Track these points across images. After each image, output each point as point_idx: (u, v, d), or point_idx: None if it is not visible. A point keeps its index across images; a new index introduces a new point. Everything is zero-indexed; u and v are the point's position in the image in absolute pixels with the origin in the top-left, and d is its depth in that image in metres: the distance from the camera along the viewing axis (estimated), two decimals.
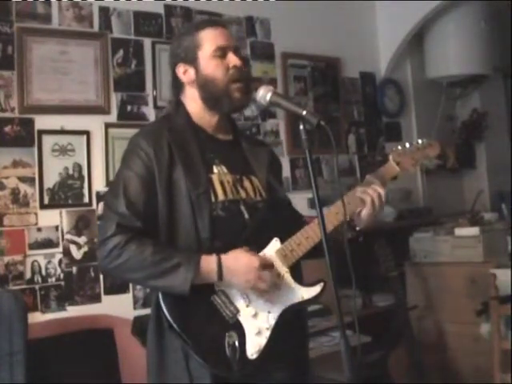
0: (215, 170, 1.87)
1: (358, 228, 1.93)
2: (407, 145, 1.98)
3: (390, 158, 1.96)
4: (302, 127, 1.64)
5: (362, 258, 2.12)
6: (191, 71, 1.90)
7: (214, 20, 2.01)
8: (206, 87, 1.88)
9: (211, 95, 1.88)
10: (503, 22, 4.83)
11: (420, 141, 2.00)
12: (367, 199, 1.86)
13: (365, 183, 1.91)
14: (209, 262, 1.73)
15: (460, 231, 3.80)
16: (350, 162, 4.41)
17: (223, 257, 1.74)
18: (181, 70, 1.92)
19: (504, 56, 4.94)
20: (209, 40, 1.88)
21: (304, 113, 1.65)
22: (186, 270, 1.70)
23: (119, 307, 3.18)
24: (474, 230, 3.74)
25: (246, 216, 1.85)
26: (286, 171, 3.92)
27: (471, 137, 5.06)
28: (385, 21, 4.60)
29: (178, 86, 1.95)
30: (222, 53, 1.88)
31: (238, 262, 1.74)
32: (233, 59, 1.88)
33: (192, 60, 1.89)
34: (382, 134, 4.64)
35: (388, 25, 4.58)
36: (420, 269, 3.91)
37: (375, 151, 4.57)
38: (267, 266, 1.76)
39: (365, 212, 1.87)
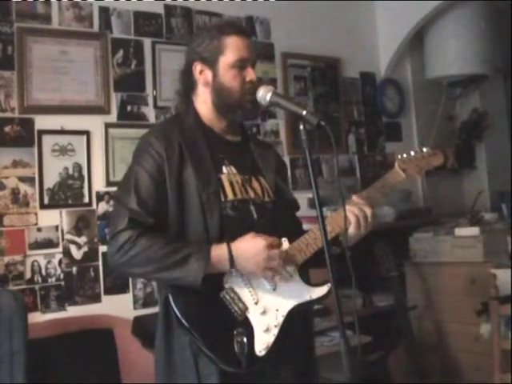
0: (225, 170, 1.89)
1: (343, 245, 1.89)
2: (412, 153, 2.02)
3: (396, 165, 1.98)
4: (302, 127, 1.65)
5: (361, 258, 2.11)
6: (208, 73, 1.91)
7: (240, 27, 2.00)
8: (220, 94, 1.89)
9: (224, 103, 1.90)
10: (503, 22, 4.83)
11: (425, 149, 2.04)
12: (353, 219, 1.84)
13: (351, 202, 1.88)
14: (219, 250, 1.74)
15: (460, 231, 3.79)
16: (350, 161, 4.40)
17: (232, 243, 1.74)
18: (198, 68, 1.92)
19: (504, 56, 4.94)
20: (233, 49, 1.89)
21: (304, 113, 1.66)
22: (198, 260, 1.71)
23: (119, 307, 3.18)
24: (473, 230, 3.73)
25: (255, 215, 1.86)
26: None
27: (471, 137, 5.05)
28: (385, 21, 4.60)
29: (189, 82, 1.96)
30: (242, 64, 1.90)
31: (246, 244, 1.74)
32: (250, 74, 1.91)
33: (212, 63, 1.90)
34: (382, 134, 4.63)
35: (388, 25, 4.58)
36: (420, 269, 3.90)
37: (375, 151, 4.57)
38: (275, 244, 1.76)
39: (351, 231, 1.85)
